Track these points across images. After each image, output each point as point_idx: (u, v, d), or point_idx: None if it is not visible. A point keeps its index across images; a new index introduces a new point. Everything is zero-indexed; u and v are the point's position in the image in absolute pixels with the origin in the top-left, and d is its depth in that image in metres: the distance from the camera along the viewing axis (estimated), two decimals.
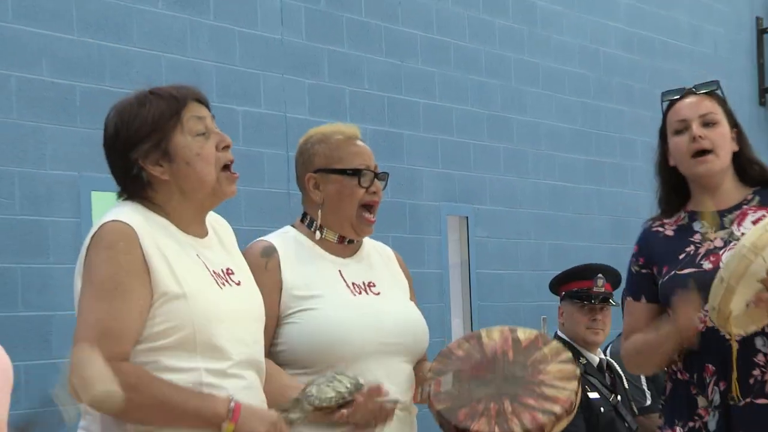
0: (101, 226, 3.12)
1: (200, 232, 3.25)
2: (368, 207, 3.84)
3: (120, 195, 3.24)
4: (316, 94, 8.73)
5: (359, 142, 3.87)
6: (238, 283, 3.27)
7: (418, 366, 3.87)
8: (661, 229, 4.22)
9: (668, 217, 4.22)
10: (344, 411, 3.30)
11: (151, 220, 3.14)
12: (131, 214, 3.14)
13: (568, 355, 3.80)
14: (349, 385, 3.28)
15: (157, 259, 3.09)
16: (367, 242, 3.94)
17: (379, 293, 3.82)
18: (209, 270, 3.19)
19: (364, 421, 3.56)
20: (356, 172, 3.81)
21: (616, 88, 11.63)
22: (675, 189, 4.23)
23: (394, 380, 3.74)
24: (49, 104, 7.10)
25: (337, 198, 3.82)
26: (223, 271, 3.24)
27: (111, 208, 3.21)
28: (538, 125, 10.77)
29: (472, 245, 9.96)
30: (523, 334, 3.87)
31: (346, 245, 3.86)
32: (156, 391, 2.98)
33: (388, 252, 4.01)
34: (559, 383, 3.70)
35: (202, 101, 3.23)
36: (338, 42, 8.98)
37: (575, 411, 3.71)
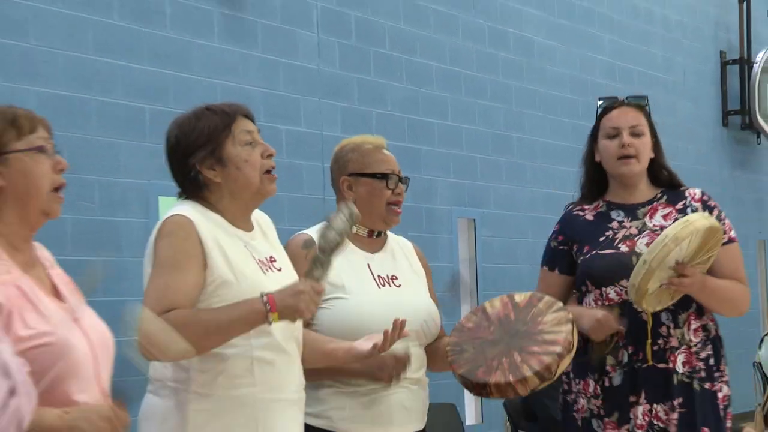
0: (165, 220, 3.17)
1: (247, 226, 3.26)
2: (394, 205, 3.83)
3: (180, 195, 3.27)
4: (348, 115, 8.70)
5: (385, 151, 3.88)
6: (279, 269, 3.28)
7: (437, 342, 3.87)
8: (581, 213, 4.27)
9: (588, 203, 4.28)
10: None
11: (206, 215, 3.16)
12: (190, 210, 3.16)
13: (560, 304, 3.82)
14: (345, 217, 3.25)
15: (213, 249, 3.11)
16: (391, 238, 3.93)
17: (400, 285, 3.81)
18: (255, 258, 3.20)
19: (385, 375, 3.59)
20: (384, 176, 3.82)
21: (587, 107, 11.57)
22: (596, 181, 4.28)
23: (415, 356, 3.74)
24: (122, 123, 7.09)
25: (367, 198, 3.81)
26: (266, 259, 3.25)
27: (173, 207, 3.24)
28: (535, 142, 10.72)
29: (478, 243, 9.91)
30: (519, 297, 3.93)
31: (374, 239, 3.85)
32: (202, 319, 3.01)
33: (408, 246, 4.01)
34: (556, 328, 3.73)
35: (249, 117, 3.26)
36: (366, 71, 8.95)
37: (574, 349, 3.72)
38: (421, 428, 3.83)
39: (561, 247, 4.24)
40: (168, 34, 7.46)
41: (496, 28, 10.32)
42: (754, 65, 13.84)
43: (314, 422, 3.65)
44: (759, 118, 13.74)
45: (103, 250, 6.69)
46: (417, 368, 3.76)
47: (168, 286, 3.04)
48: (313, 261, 3.19)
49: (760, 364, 8.45)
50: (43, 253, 2.72)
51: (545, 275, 4.32)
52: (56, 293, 2.65)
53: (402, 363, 3.61)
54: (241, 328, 3.04)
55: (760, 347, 8.53)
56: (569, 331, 3.69)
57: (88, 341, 2.58)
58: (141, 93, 7.20)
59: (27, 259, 2.62)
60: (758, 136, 13.94)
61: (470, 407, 8.76)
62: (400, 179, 3.85)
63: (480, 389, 3.72)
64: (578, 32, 11.38)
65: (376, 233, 3.85)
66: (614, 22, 11.95)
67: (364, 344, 3.52)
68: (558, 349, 3.65)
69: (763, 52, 13.97)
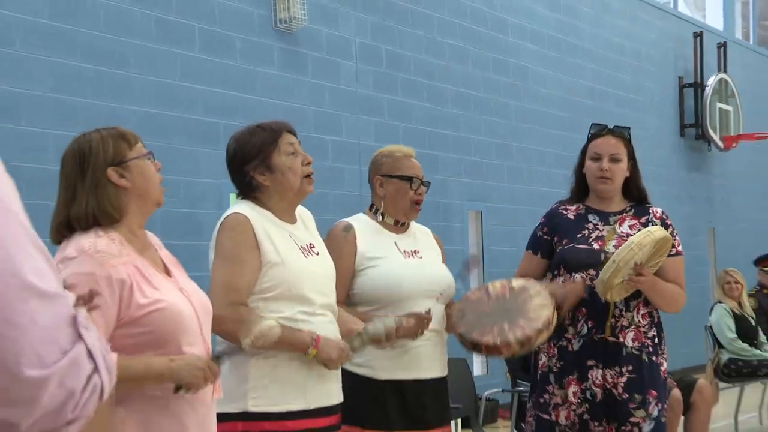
0: (226, 217, 3.18)
1: (291, 219, 3.27)
2: (416, 202, 3.83)
3: (238, 195, 3.27)
4: (380, 128, 8.68)
5: (413, 159, 3.86)
6: (317, 254, 3.28)
7: (447, 307, 3.85)
8: (564, 212, 4.23)
9: (571, 205, 4.24)
10: (391, 339, 3.32)
11: (258, 212, 3.17)
12: (246, 208, 3.18)
13: (546, 293, 3.83)
14: (393, 323, 3.31)
15: (264, 239, 3.12)
16: (413, 225, 3.92)
17: (422, 257, 3.80)
18: (298, 245, 3.21)
19: (411, 333, 3.59)
20: (409, 179, 3.79)
21: (584, 124, 11.46)
22: (581, 187, 4.25)
23: (435, 315, 3.71)
24: (201, 135, 7.10)
25: (394, 195, 3.80)
26: (307, 245, 3.25)
27: (232, 206, 3.26)
28: (530, 149, 10.68)
29: (484, 231, 9.90)
30: (516, 283, 3.91)
31: (399, 227, 3.85)
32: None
33: (426, 230, 3.99)
34: (540, 310, 3.72)
35: (292, 132, 3.28)
36: (395, 93, 8.94)
37: (552, 327, 3.73)
38: (444, 375, 3.83)
39: (545, 237, 4.23)
40: (238, 63, 7.46)
41: (499, 58, 10.29)
42: (706, 88, 13.85)
43: (358, 371, 3.66)
44: (709, 130, 13.77)
45: (186, 236, 6.72)
46: (438, 321, 3.75)
47: (231, 274, 3.07)
48: (356, 336, 3.27)
49: (711, 327, 8.41)
50: (153, 238, 2.75)
51: (528, 257, 4.30)
52: (165, 269, 2.67)
53: (423, 321, 3.61)
54: (289, 347, 3.09)
55: (710, 314, 8.49)
56: (549, 313, 3.71)
57: (191, 305, 2.61)
58: (216, 111, 7.21)
59: (142, 243, 2.65)
60: (709, 145, 13.96)
61: (478, 362, 8.75)
62: (422, 183, 3.84)
63: (473, 346, 3.74)
64: (565, 62, 11.33)
65: (400, 223, 3.85)
66: (594, 53, 11.89)
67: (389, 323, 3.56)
68: (539, 325, 3.67)
69: (713, 77, 13.98)
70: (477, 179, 9.80)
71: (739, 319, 8.34)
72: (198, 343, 2.60)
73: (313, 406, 3.14)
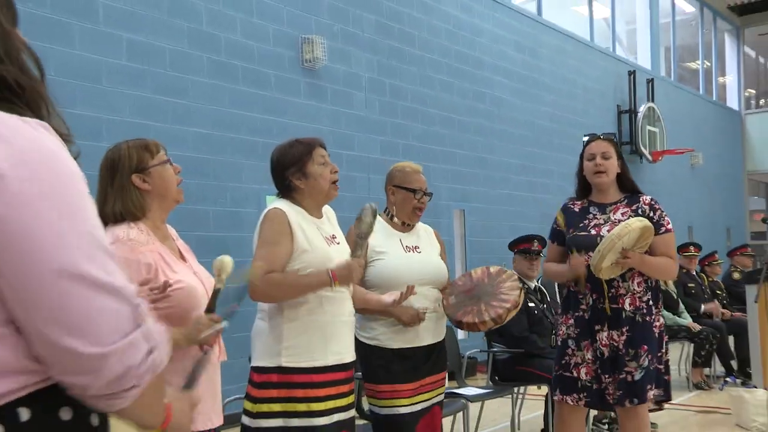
0: (267, 211, 3.15)
1: (318, 215, 3.23)
2: (418, 209, 3.81)
3: (278, 195, 3.25)
4: (384, 145, 8.68)
5: (420, 175, 3.84)
6: (338, 243, 3.25)
7: (442, 290, 3.82)
8: (572, 207, 4.19)
9: (578, 200, 4.20)
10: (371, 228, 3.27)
11: (293, 208, 3.14)
12: (283, 204, 3.15)
13: (516, 276, 3.83)
14: (369, 214, 3.23)
15: (297, 229, 3.08)
16: (420, 225, 3.90)
17: (420, 252, 3.77)
18: (323, 236, 3.18)
19: (408, 321, 3.56)
20: (413, 191, 3.77)
21: (544, 142, 11.54)
22: (583, 187, 4.20)
23: (429, 297, 3.71)
24: (244, 151, 7.09)
25: (402, 202, 3.78)
26: (330, 236, 3.22)
27: (272, 202, 3.22)
28: (502, 161, 10.67)
29: (467, 225, 9.88)
30: (493, 269, 3.90)
31: (405, 226, 3.82)
32: (290, 280, 3.01)
33: (430, 230, 3.96)
34: (510, 292, 3.73)
35: (323, 146, 3.24)
36: (395, 117, 8.93)
37: (519, 306, 3.73)
38: (440, 340, 3.82)
39: (558, 228, 4.22)
40: (272, 94, 7.46)
41: (478, 89, 10.28)
42: (638, 114, 13.89)
43: (368, 341, 3.66)
44: (641, 147, 13.83)
45: (233, 230, 6.71)
46: (433, 302, 3.73)
47: (269, 253, 3.04)
48: (355, 244, 3.20)
49: None
50: (171, 231, 2.70)
51: (551, 246, 4.28)
52: (181, 256, 2.63)
53: (418, 316, 3.61)
54: (313, 289, 3.06)
55: None
56: (517, 294, 3.71)
57: (203, 285, 2.58)
58: (256, 132, 7.21)
59: (163, 234, 2.61)
60: (641, 158, 13.96)
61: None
62: (425, 194, 3.82)
63: (457, 324, 3.75)
64: (529, 93, 11.33)
65: (406, 224, 3.83)
66: (551, 86, 11.88)
67: (388, 297, 3.54)
68: (508, 305, 3.67)
69: (643, 106, 14.02)
70: (460, 185, 9.78)
71: (664, 294, 8.31)
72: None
73: (331, 363, 3.11)
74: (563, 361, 4.07)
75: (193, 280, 2.54)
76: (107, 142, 5.79)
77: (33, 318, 1.06)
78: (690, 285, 8.73)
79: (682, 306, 8.47)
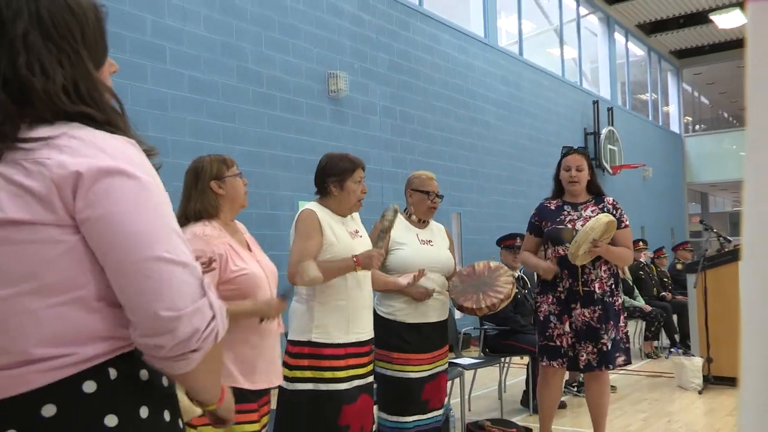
0: (300, 212, 3.09)
1: (344, 215, 3.16)
2: (432, 208, 3.73)
3: (316, 194, 3.17)
4: (395, 160, 8.62)
5: (433, 180, 3.76)
6: (361, 237, 3.18)
7: (449, 278, 3.75)
8: (549, 205, 4.12)
9: (553, 200, 4.13)
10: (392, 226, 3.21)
11: (322, 209, 3.08)
12: (314, 206, 3.10)
13: (510, 272, 3.74)
14: (392, 213, 3.19)
15: (326, 226, 3.03)
16: (433, 223, 3.83)
17: (433, 245, 3.70)
18: (348, 231, 3.11)
19: (419, 297, 3.49)
20: (427, 193, 3.70)
21: (526, 157, 11.44)
22: (558, 189, 4.13)
23: (437, 282, 3.63)
24: (280, 164, 7.05)
25: (418, 203, 3.71)
26: (354, 231, 3.15)
27: (305, 204, 3.14)
28: (491, 173, 10.59)
29: (462, 226, 9.80)
30: (494, 264, 3.81)
31: (422, 223, 3.75)
32: (322, 266, 2.91)
33: (442, 228, 3.88)
34: (505, 285, 3.64)
35: (363, 168, 3.17)
36: (404, 137, 8.86)
37: (511, 298, 3.64)
38: (444, 318, 3.74)
39: (536, 222, 4.14)
40: (304, 119, 7.39)
41: (471, 115, 10.20)
42: (601, 135, 13.75)
43: (388, 317, 3.60)
44: (603, 162, 13.68)
45: (271, 229, 6.66)
46: (440, 287, 3.66)
47: (303, 246, 2.97)
48: (377, 237, 3.13)
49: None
50: (241, 226, 2.69)
51: (528, 237, 4.19)
52: (248, 247, 2.60)
53: (427, 293, 3.53)
54: (341, 273, 2.99)
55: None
56: (510, 288, 3.61)
57: (264, 272, 2.54)
58: (290, 149, 7.15)
59: (232, 230, 2.60)
60: (603, 171, 13.79)
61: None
62: (437, 195, 3.75)
63: (459, 308, 3.66)
64: (512, 117, 11.23)
65: (422, 221, 3.76)
66: (531, 113, 11.79)
67: (403, 280, 3.47)
68: (501, 296, 3.58)
69: (605, 129, 13.89)
70: (457, 192, 9.70)
71: (622, 282, 8.32)
72: (268, 297, 2.54)
73: (353, 339, 3.06)
74: (547, 333, 4.02)
75: (256, 267, 2.51)
76: (172, 158, 5.79)
77: (127, 291, 1.08)
78: (641, 273, 8.75)
79: (636, 291, 8.46)
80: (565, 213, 4.04)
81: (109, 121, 1.13)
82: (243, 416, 2.44)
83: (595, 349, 3.91)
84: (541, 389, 4.14)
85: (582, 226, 3.89)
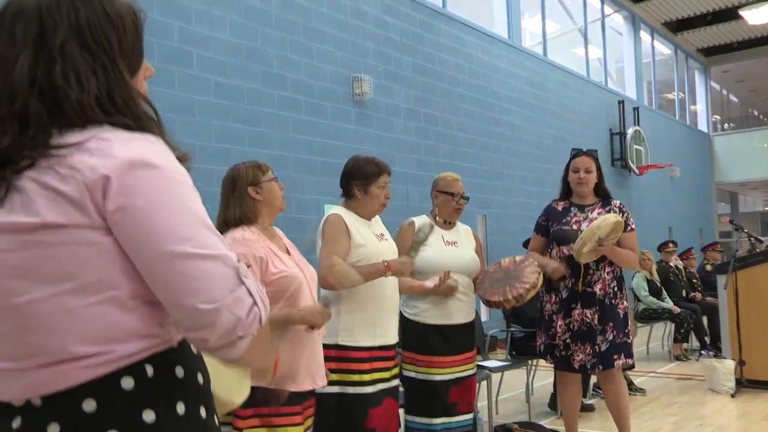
0: (327, 216, 3.11)
1: (369, 218, 3.16)
2: (457, 209, 3.72)
3: (341, 196, 3.19)
4: (420, 162, 8.61)
5: (458, 182, 3.76)
6: (386, 239, 3.20)
7: (475, 279, 3.74)
8: (556, 206, 4.12)
9: (560, 201, 4.13)
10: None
11: (348, 213, 3.10)
12: (340, 210, 3.12)
13: (536, 264, 3.73)
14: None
15: (353, 229, 3.05)
16: (459, 225, 3.82)
17: (458, 246, 3.69)
18: (374, 234, 3.12)
19: (443, 293, 3.50)
20: (452, 194, 3.70)
21: (551, 158, 11.35)
22: (566, 190, 4.13)
23: (462, 283, 3.62)
24: (306, 168, 7.08)
25: (444, 204, 3.71)
26: (380, 234, 3.17)
27: (331, 208, 3.16)
28: (516, 175, 10.54)
29: (488, 228, 9.76)
30: (519, 258, 3.81)
31: (447, 225, 3.75)
32: (355, 269, 2.94)
33: (468, 229, 3.86)
34: (530, 276, 3.63)
35: (389, 173, 3.18)
36: (428, 139, 8.84)
37: (538, 287, 3.64)
38: (470, 320, 3.72)
39: (543, 223, 4.14)
40: (329, 122, 7.42)
41: (495, 116, 10.16)
42: (627, 135, 13.61)
43: (412, 317, 3.61)
44: (630, 162, 13.54)
45: (299, 232, 6.68)
46: (466, 288, 3.65)
47: (332, 250, 2.99)
48: (411, 248, 3.20)
49: (632, 288, 8.30)
50: (278, 231, 2.74)
51: (535, 237, 4.19)
52: (287, 251, 2.63)
53: (452, 289, 3.52)
54: (372, 277, 3.01)
55: (632, 279, 8.38)
56: (536, 278, 3.59)
57: (304, 275, 2.58)
58: (315, 153, 7.18)
59: (270, 234, 2.64)
60: (629, 172, 13.68)
61: (484, 312, 8.62)
62: (462, 197, 3.74)
63: (487, 303, 3.65)
64: (537, 118, 11.17)
65: (448, 222, 3.76)
66: (556, 113, 11.71)
67: (429, 283, 3.48)
68: (527, 286, 3.56)
69: (631, 129, 13.74)
70: (482, 194, 9.66)
71: (650, 283, 8.31)
72: (308, 299, 2.57)
73: (378, 343, 3.07)
74: (550, 332, 4.03)
75: (295, 270, 2.54)
76: (199, 163, 5.85)
77: (163, 289, 1.09)
78: (670, 275, 8.66)
79: (664, 293, 8.37)
80: (572, 214, 4.05)
81: (143, 127, 1.15)
82: (286, 419, 2.48)
83: (591, 350, 3.91)
84: (560, 392, 4.15)
85: (587, 227, 3.88)
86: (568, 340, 3.96)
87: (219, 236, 1.14)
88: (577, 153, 4.16)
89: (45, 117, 1.10)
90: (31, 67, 1.11)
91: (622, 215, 3.98)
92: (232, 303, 1.09)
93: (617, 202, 4.06)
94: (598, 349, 3.89)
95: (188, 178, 1.15)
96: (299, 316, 2.46)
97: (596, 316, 3.90)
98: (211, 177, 6.23)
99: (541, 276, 3.64)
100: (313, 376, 2.57)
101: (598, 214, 3.98)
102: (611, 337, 3.90)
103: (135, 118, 1.15)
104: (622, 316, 3.94)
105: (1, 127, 1.10)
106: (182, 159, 1.18)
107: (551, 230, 4.05)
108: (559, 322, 3.97)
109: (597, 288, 3.91)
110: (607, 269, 3.93)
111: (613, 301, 3.93)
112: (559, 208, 4.10)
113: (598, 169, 4.09)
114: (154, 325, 1.13)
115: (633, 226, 4.02)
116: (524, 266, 3.70)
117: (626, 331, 3.95)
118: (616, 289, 3.95)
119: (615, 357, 3.90)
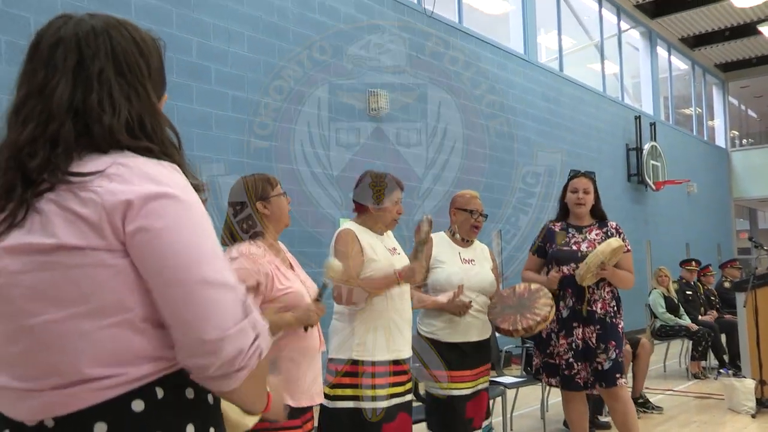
0: (339, 231, 3.11)
1: (381, 233, 3.17)
2: (475, 227, 3.71)
3: (354, 212, 3.19)
4: (437, 177, 8.64)
5: (477, 200, 3.76)
6: (399, 254, 3.19)
7: (491, 298, 3.72)
8: (553, 227, 4.12)
9: (557, 222, 4.13)
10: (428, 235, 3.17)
11: (360, 228, 3.11)
12: (352, 225, 3.12)
13: (550, 295, 3.69)
14: (427, 224, 3.13)
15: (366, 244, 3.06)
16: (477, 243, 3.82)
17: (474, 264, 3.68)
18: (387, 248, 3.12)
19: (456, 311, 3.46)
20: (471, 212, 3.69)
21: (565, 174, 11.28)
22: (563, 211, 4.14)
23: (478, 302, 3.60)
24: (324, 182, 7.11)
25: (461, 221, 3.71)
26: (392, 248, 3.17)
27: (344, 223, 3.16)
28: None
29: (503, 243, 9.73)
30: (534, 285, 3.77)
31: (465, 242, 3.74)
32: (365, 284, 2.95)
33: (486, 248, 3.86)
34: (543, 307, 3.59)
35: (402, 188, 3.18)
36: (443, 153, 8.89)
37: (548, 321, 3.58)
38: (486, 338, 3.70)
39: (540, 244, 4.14)
40: (345, 137, 7.45)
41: (511, 131, 10.15)
42: (643, 151, 13.50)
43: (427, 335, 3.59)
44: (646, 178, 13.41)
45: (314, 246, 6.69)
46: (481, 306, 3.63)
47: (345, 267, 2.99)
48: (415, 250, 3.13)
49: (648, 305, 8.21)
50: (282, 246, 2.71)
51: (530, 257, 4.21)
52: (291, 266, 2.62)
53: (466, 306, 3.50)
54: (385, 288, 3.00)
55: (648, 296, 8.30)
56: (548, 311, 3.56)
57: (307, 290, 2.57)
58: (334, 167, 7.21)
59: (276, 249, 2.62)
60: (645, 187, 13.56)
61: None
62: (481, 214, 3.73)
63: (496, 329, 3.62)
64: (553, 134, 11.15)
65: (466, 240, 3.74)
66: (571, 128, 11.68)
67: (443, 298, 3.47)
68: (538, 318, 3.53)
69: (647, 144, 13.64)
70: (499, 209, 9.64)
71: (667, 300, 8.20)
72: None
73: (393, 357, 3.06)
74: (548, 351, 4.01)
75: (300, 286, 2.54)
76: (215, 175, 5.88)
77: (174, 312, 1.10)
78: (689, 293, 8.59)
79: (682, 309, 8.29)
80: (570, 235, 4.05)
81: (166, 153, 1.18)
82: None
83: (590, 368, 3.91)
84: (566, 411, 4.15)
85: (586, 248, 3.92)
86: (570, 359, 3.95)
87: (229, 266, 1.16)
88: (575, 174, 4.17)
89: (73, 141, 1.13)
90: (71, 92, 1.14)
91: (620, 236, 4.00)
92: (237, 334, 1.10)
93: (614, 224, 4.08)
94: (600, 368, 3.89)
95: (203, 207, 1.17)
96: (294, 317, 2.45)
97: (595, 334, 3.91)
98: (227, 190, 6.29)
99: (553, 309, 3.63)
100: (311, 392, 2.57)
101: (596, 235, 4.00)
102: (614, 356, 3.90)
103: (159, 143, 1.18)
104: (621, 334, 3.98)
105: (32, 148, 1.12)
106: (198, 189, 1.20)
107: (549, 251, 4.05)
108: (561, 341, 3.96)
109: (597, 307, 3.92)
110: (607, 289, 3.96)
111: (614, 320, 3.95)
112: (557, 229, 4.11)
113: (595, 190, 4.11)
114: (164, 348, 1.13)
115: (629, 247, 4.03)
116: (538, 296, 3.67)
117: (622, 348, 3.99)
118: (615, 308, 3.98)
119: (617, 375, 3.90)
